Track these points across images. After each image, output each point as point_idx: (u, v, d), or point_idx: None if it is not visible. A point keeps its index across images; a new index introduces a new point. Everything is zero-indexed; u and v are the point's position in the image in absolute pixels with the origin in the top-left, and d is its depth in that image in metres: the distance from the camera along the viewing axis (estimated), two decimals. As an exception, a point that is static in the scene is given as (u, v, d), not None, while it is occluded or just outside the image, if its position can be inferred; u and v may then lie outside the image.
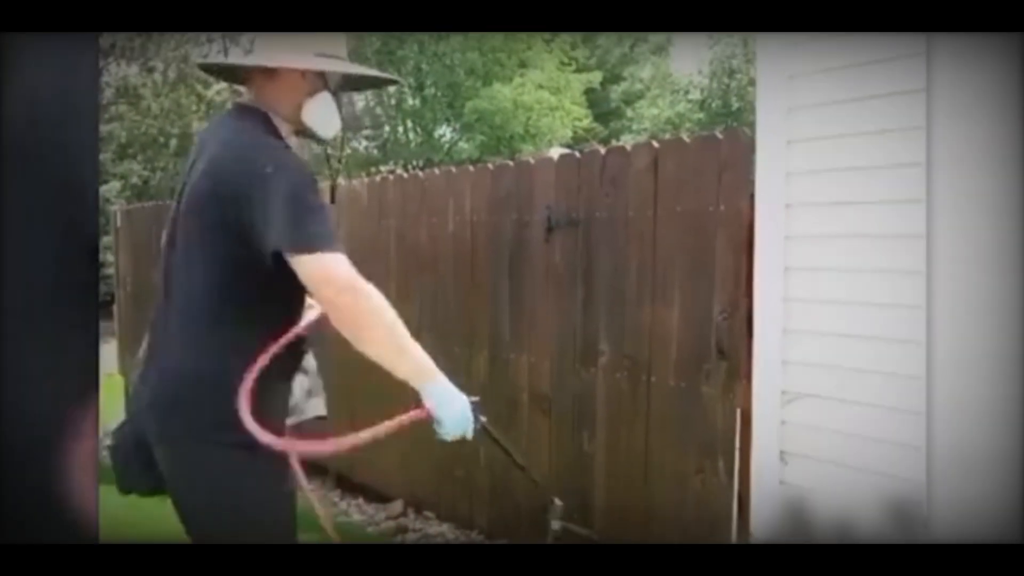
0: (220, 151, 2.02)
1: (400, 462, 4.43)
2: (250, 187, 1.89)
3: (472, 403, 2.03)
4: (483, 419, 2.08)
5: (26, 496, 1.09)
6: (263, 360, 1.98)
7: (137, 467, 2.09)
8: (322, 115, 2.13)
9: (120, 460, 2.13)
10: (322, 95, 2.12)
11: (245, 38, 2.58)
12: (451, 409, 1.98)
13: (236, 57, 2.29)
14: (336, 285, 1.87)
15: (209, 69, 2.53)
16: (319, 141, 2.21)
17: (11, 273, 1.12)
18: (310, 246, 1.86)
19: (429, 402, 1.95)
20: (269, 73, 2.12)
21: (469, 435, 2.03)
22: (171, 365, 2.01)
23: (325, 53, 2.14)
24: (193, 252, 2.00)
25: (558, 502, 2.64)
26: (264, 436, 1.90)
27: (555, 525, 2.64)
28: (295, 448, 1.99)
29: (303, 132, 2.16)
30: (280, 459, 1.97)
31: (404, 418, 1.96)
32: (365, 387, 4.50)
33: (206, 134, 2.18)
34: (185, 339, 2.01)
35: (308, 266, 1.86)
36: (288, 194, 1.87)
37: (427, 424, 2.01)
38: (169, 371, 2.01)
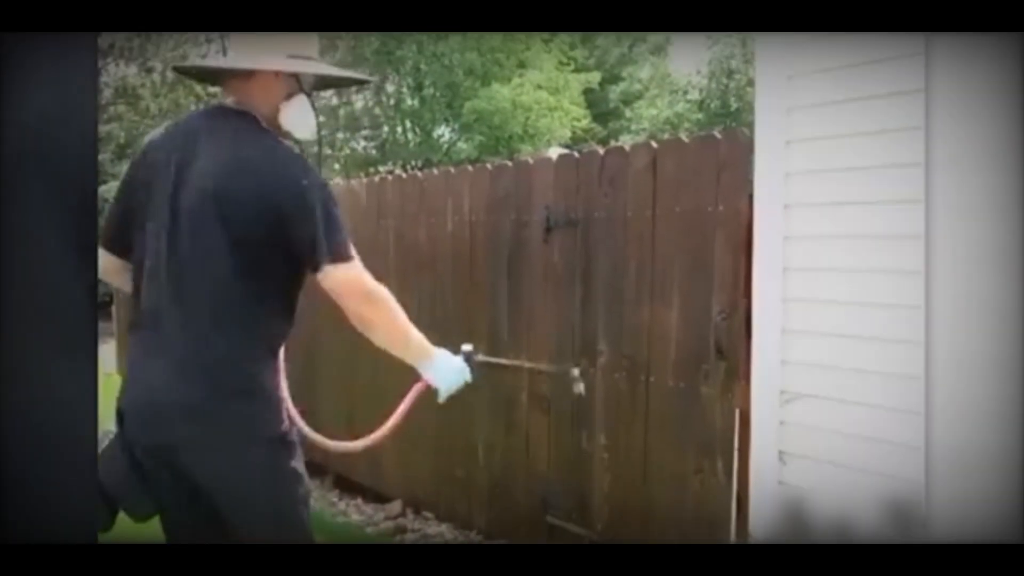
0: (243, 158, 2.04)
1: (399, 463, 4.43)
2: (292, 200, 2.00)
3: (465, 354, 2.31)
4: (478, 358, 2.36)
5: (26, 496, 1.09)
6: (281, 367, 2.14)
7: (137, 491, 2.06)
8: (299, 117, 2.17)
9: (114, 486, 2.02)
10: (298, 98, 2.17)
11: (233, 46, 2.59)
12: (444, 376, 2.25)
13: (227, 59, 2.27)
14: (361, 293, 2.08)
15: (187, 72, 2.53)
16: (296, 142, 2.25)
17: (10, 273, 1.12)
18: (343, 257, 2.03)
19: (427, 375, 2.25)
20: (245, 76, 2.14)
21: (470, 379, 2.30)
22: (202, 368, 2.00)
23: (297, 54, 2.17)
24: (215, 258, 2.00)
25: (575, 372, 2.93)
26: (316, 436, 2.27)
27: (577, 387, 3.00)
28: (337, 448, 2.35)
29: (280, 134, 2.19)
30: (299, 458, 2.13)
31: (410, 396, 2.31)
32: (362, 385, 4.51)
33: (185, 136, 2.12)
34: (215, 343, 2.01)
35: (336, 275, 2.03)
36: (323, 207, 2.02)
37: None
38: (200, 374, 1.99)
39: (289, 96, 2.15)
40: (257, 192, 2.00)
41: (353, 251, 2.07)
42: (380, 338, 2.15)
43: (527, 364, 2.97)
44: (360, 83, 2.64)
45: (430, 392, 2.29)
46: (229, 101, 2.17)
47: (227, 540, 2.09)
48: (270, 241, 2.01)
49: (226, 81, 2.20)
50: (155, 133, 2.21)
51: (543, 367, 3.10)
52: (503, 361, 2.96)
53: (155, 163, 2.11)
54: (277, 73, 2.13)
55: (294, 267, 2.08)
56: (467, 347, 2.34)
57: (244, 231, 2.00)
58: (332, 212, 2.04)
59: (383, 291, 2.11)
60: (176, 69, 2.43)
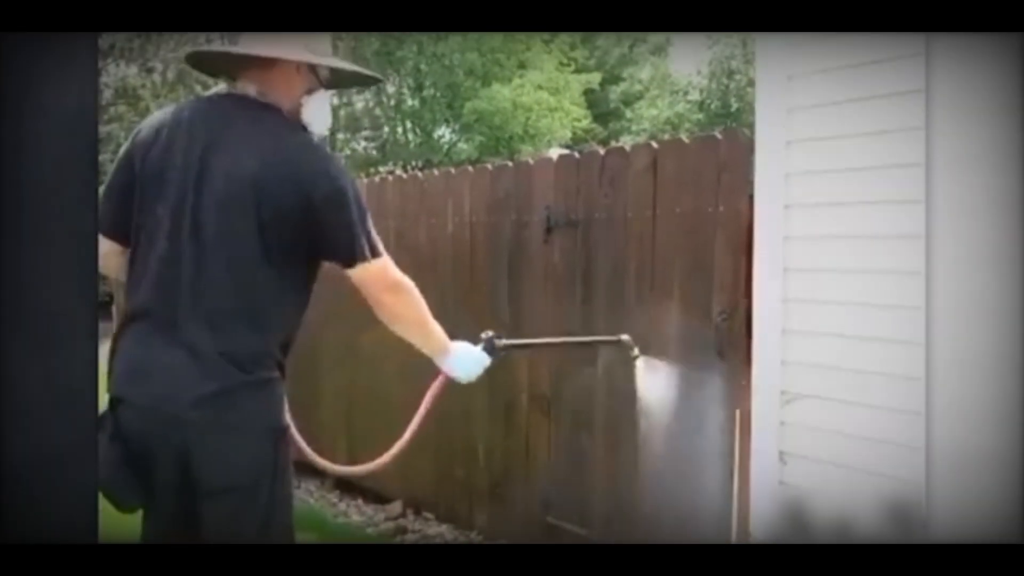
0: (281, 149, 2.04)
1: (399, 463, 4.41)
2: (328, 196, 2.03)
3: (485, 340, 2.42)
4: (501, 343, 2.44)
5: (26, 495, 1.09)
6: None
7: (130, 482, 2.03)
8: (320, 113, 2.19)
9: (105, 476, 1.96)
10: (320, 93, 2.19)
11: (244, 38, 2.54)
12: (463, 366, 2.35)
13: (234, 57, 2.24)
14: (389, 286, 2.14)
15: (202, 64, 2.44)
16: None
17: (9, 274, 1.12)
18: (375, 252, 2.09)
19: (444, 367, 2.35)
20: (267, 67, 2.13)
21: (489, 364, 2.40)
22: (224, 360, 1.98)
23: (317, 50, 2.18)
24: (243, 246, 2.00)
25: (625, 337, 2.96)
26: (314, 457, 2.38)
27: (634, 351, 2.96)
28: (354, 472, 2.56)
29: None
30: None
31: (430, 396, 2.40)
32: (361, 388, 4.51)
33: (205, 122, 2.10)
34: (238, 334, 2.00)
35: (369, 272, 2.09)
36: (358, 204, 2.07)
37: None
38: (222, 365, 1.98)
39: (310, 91, 2.17)
40: (295, 184, 2.01)
41: (381, 245, 2.13)
42: (404, 329, 2.22)
43: (571, 339, 3.06)
44: (373, 82, 2.65)
45: (447, 387, 2.40)
46: (251, 91, 2.14)
47: (204, 538, 2.07)
48: (299, 233, 2.03)
49: (244, 71, 2.16)
50: (160, 116, 2.16)
51: (592, 338, 3.16)
52: (546, 340, 3.08)
53: (170, 148, 2.07)
54: (299, 67, 2.14)
55: (315, 263, 2.12)
56: (487, 333, 2.44)
57: (276, 221, 2.00)
58: (365, 209, 2.10)
59: (409, 282, 2.18)
60: (192, 56, 2.33)
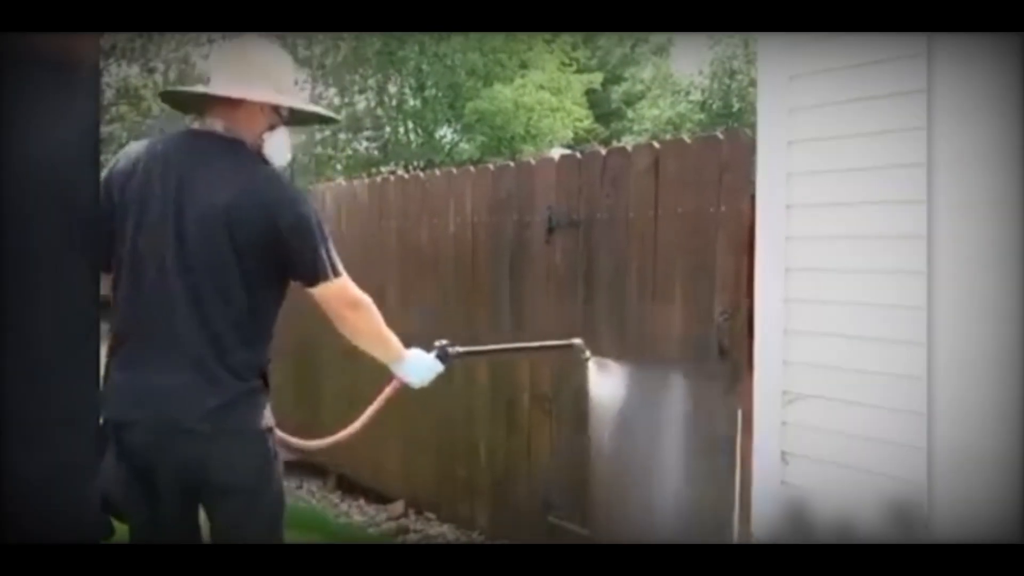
0: (250, 181, 2.18)
1: (401, 463, 4.43)
2: (292, 223, 2.18)
3: (438, 348, 2.57)
4: (455, 351, 2.58)
5: (26, 496, 1.09)
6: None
7: (140, 497, 2.12)
8: (281, 147, 2.33)
9: (117, 495, 2.08)
10: (282, 130, 2.34)
11: (213, 79, 2.66)
12: (416, 372, 2.51)
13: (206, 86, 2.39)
14: (349, 303, 2.29)
15: (174, 101, 2.61)
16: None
17: (11, 274, 1.12)
18: (336, 272, 2.24)
19: (399, 374, 2.51)
20: (233, 106, 2.25)
21: (441, 370, 2.55)
22: (224, 375, 2.11)
23: (280, 89, 2.33)
24: (225, 270, 2.13)
25: (577, 341, 3.05)
26: (293, 440, 2.48)
27: (585, 354, 3.04)
28: (306, 446, 2.63)
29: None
30: None
31: (382, 396, 2.57)
32: (361, 385, 4.51)
33: (179, 155, 2.22)
34: (235, 349, 2.14)
35: (330, 290, 2.24)
36: (320, 230, 2.22)
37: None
38: (223, 380, 2.11)
39: (272, 127, 2.31)
40: (264, 211, 2.15)
41: (341, 266, 2.28)
42: (362, 341, 2.38)
43: (525, 344, 3.14)
44: (332, 121, 2.89)
45: (406, 389, 2.54)
46: (218, 127, 2.26)
47: (213, 539, 2.20)
48: (269, 255, 2.17)
49: (212, 108, 2.29)
50: (136, 148, 2.29)
51: (544, 343, 3.22)
52: (500, 346, 3.17)
53: (149, 180, 2.18)
54: (262, 106, 2.28)
55: (285, 282, 2.27)
56: (440, 342, 2.58)
57: (248, 245, 2.14)
58: (326, 234, 2.25)
59: (367, 299, 2.33)
60: (165, 95, 2.49)
